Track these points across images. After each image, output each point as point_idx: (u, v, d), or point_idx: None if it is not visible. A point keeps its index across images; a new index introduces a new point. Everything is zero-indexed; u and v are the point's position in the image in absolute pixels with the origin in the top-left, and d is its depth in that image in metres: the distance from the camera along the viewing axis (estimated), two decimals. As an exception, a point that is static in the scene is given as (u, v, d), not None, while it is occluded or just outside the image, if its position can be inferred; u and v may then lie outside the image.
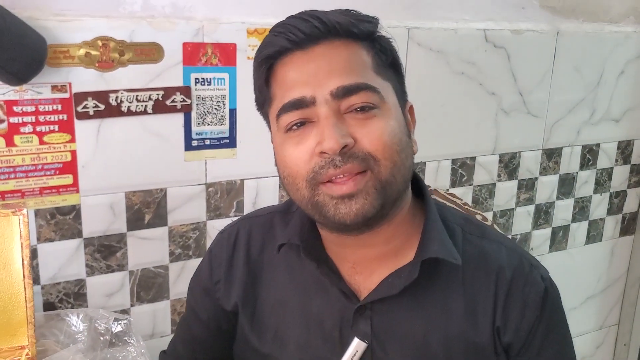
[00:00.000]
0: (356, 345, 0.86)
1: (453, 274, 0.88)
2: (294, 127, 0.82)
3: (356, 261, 0.89)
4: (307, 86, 0.80)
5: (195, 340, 1.04)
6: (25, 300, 1.05)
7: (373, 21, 0.85)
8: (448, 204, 1.11)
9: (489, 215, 1.86)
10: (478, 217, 1.13)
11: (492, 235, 0.92)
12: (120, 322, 1.18)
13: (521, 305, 0.87)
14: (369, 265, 0.88)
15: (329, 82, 0.79)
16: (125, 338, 1.15)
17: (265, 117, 0.90)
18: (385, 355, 0.87)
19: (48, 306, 1.32)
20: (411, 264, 0.85)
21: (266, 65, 0.84)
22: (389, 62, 0.86)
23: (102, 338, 1.14)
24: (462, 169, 1.78)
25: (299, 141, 0.81)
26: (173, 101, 1.34)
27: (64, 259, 1.32)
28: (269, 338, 0.94)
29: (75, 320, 1.17)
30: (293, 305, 0.93)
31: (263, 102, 0.88)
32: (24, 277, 1.05)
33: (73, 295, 1.35)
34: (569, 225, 2.06)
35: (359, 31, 0.83)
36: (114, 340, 1.16)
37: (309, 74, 0.80)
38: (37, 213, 1.27)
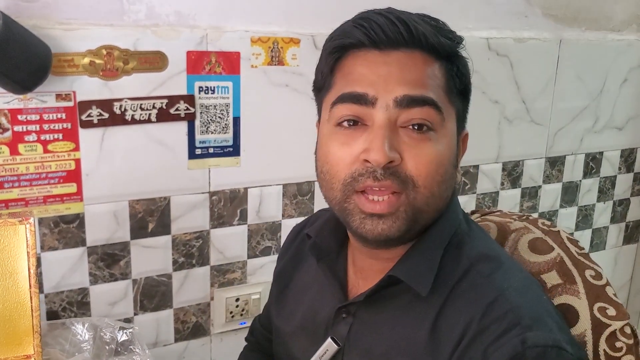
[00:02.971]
0: (327, 345, 0.87)
1: (433, 302, 0.81)
2: (345, 124, 0.79)
3: (363, 267, 0.90)
4: (373, 86, 0.78)
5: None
6: (31, 309, 1.05)
7: (458, 40, 0.83)
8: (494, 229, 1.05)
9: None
10: (540, 222, 1.06)
11: (500, 279, 0.80)
12: (125, 331, 1.18)
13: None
14: (372, 273, 0.88)
15: (396, 89, 0.77)
16: (131, 347, 1.15)
17: (319, 102, 0.88)
18: None
19: (51, 315, 1.32)
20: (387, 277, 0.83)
21: (337, 54, 0.82)
22: (461, 88, 0.83)
23: (107, 347, 1.14)
24: (466, 177, 1.78)
25: (346, 141, 0.79)
26: (177, 109, 1.34)
27: (67, 268, 1.32)
28: (284, 315, 1.01)
29: (80, 329, 1.16)
30: (310, 293, 0.98)
31: (322, 87, 0.86)
32: (30, 286, 1.05)
33: (76, 303, 1.34)
34: (573, 233, 2.05)
35: (442, 49, 0.80)
36: (119, 349, 1.16)
37: (379, 76, 0.78)
38: (41, 221, 1.27)
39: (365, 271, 0.90)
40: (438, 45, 0.79)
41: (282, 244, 1.14)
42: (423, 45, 0.79)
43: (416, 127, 0.77)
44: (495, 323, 0.75)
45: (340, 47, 0.81)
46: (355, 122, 0.79)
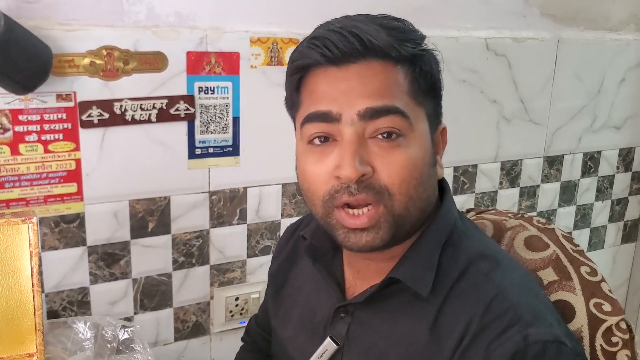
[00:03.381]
0: (327, 345, 0.87)
1: (432, 301, 0.82)
2: (317, 141, 0.81)
3: (360, 268, 0.91)
4: (335, 103, 0.78)
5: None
6: (34, 308, 1.06)
7: (418, 41, 0.82)
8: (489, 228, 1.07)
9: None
10: (535, 219, 1.06)
11: (499, 277, 0.81)
12: (127, 329, 1.19)
13: None
14: (369, 273, 0.89)
15: (357, 102, 0.77)
16: (132, 345, 1.15)
17: (292, 119, 0.90)
18: None
19: (52, 314, 1.32)
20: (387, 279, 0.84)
21: (299, 74, 0.83)
22: (427, 86, 0.83)
23: (109, 345, 1.15)
24: (464, 177, 1.78)
25: (320, 158, 0.81)
26: (177, 110, 1.35)
27: (67, 267, 1.33)
28: (280, 315, 1.02)
29: (82, 328, 1.17)
30: (305, 292, 0.98)
31: (292, 105, 0.88)
32: (32, 285, 1.06)
33: (77, 303, 1.35)
34: (571, 232, 2.06)
35: (399, 55, 0.79)
36: (120, 348, 1.16)
37: (340, 92, 0.78)
38: (42, 221, 1.28)
39: (362, 272, 0.91)
40: (394, 52, 0.79)
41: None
42: (379, 54, 0.79)
43: (385, 136, 0.78)
44: (496, 321, 0.76)
45: (300, 68, 0.83)
46: (327, 138, 0.80)
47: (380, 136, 0.78)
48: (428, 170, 0.82)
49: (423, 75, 0.82)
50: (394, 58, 0.79)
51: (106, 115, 1.28)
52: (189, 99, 1.35)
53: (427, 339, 0.80)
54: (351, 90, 0.78)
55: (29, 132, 1.23)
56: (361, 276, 0.90)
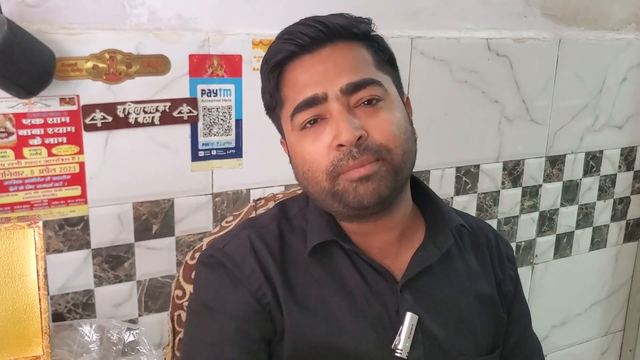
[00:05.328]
0: (410, 319, 0.90)
1: (464, 241, 1.01)
2: (308, 125, 0.87)
3: (381, 246, 0.94)
4: (319, 85, 0.86)
5: None
6: (40, 311, 1.07)
7: (367, 21, 0.92)
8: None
9: (494, 223, 1.87)
10: None
11: (462, 212, 1.08)
12: (132, 331, 1.19)
13: (506, 260, 1.05)
14: (392, 248, 0.94)
15: (338, 80, 0.86)
16: (138, 347, 1.16)
17: (277, 120, 0.95)
18: (431, 323, 0.92)
19: (57, 317, 1.33)
20: (437, 235, 0.95)
21: (277, 70, 0.90)
22: (387, 59, 0.93)
23: (114, 348, 1.15)
24: (467, 177, 1.79)
25: (316, 137, 0.86)
26: (180, 112, 1.35)
27: (72, 270, 1.33)
28: (324, 331, 0.90)
29: (87, 330, 1.17)
30: (336, 299, 0.91)
31: (274, 105, 0.93)
32: (39, 288, 1.07)
33: (81, 305, 1.35)
34: (573, 232, 2.06)
35: (359, 31, 0.90)
36: (126, 350, 1.17)
37: (319, 74, 0.86)
38: (46, 224, 1.28)
39: (385, 249, 0.94)
40: (355, 29, 0.89)
41: (228, 273, 0.92)
42: (343, 35, 0.88)
43: (367, 103, 0.86)
44: (495, 234, 1.07)
45: (277, 64, 0.89)
46: (316, 120, 0.87)
47: (363, 104, 0.86)
48: (410, 128, 0.91)
49: (381, 49, 0.92)
50: (356, 36, 0.89)
51: (109, 119, 1.29)
52: (192, 102, 1.36)
53: (479, 270, 0.99)
54: (328, 70, 0.86)
55: (33, 136, 1.24)
56: (385, 254, 0.94)
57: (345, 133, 0.83)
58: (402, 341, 0.89)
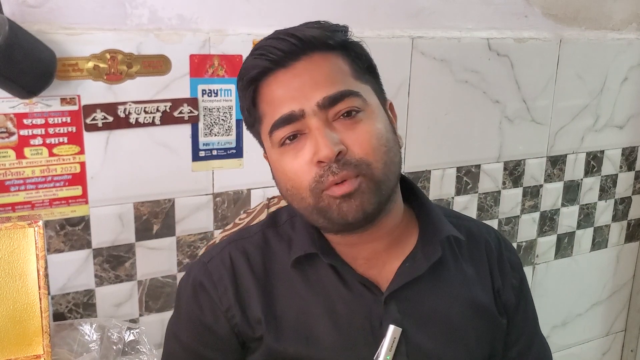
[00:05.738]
0: (393, 332, 0.89)
1: (460, 247, 0.98)
2: (288, 141, 0.85)
3: (368, 256, 0.93)
4: (295, 101, 0.84)
5: None
6: (41, 311, 1.07)
7: (344, 30, 0.89)
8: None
9: (494, 223, 1.87)
10: None
11: (463, 216, 1.07)
12: (132, 331, 1.19)
13: (509, 267, 1.02)
14: (380, 258, 0.92)
15: (314, 94, 0.84)
16: (138, 347, 1.16)
17: (257, 135, 0.94)
18: (417, 335, 0.90)
19: (58, 316, 1.33)
20: (428, 245, 0.92)
21: (252, 87, 0.88)
22: (365, 67, 0.91)
23: (115, 347, 1.15)
24: (467, 177, 1.79)
25: (296, 154, 0.85)
26: (180, 112, 1.35)
27: (73, 270, 1.33)
28: (302, 345, 0.90)
29: (88, 330, 1.18)
30: (317, 312, 0.91)
31: (253, 122, 0.92)
32: (39, 287, 1.07)
33: (82, 305, 1.36)
34: (574, 232, 2.06)
35: (334, 42, 0.87)
36: (126, 349, 1.17)
37: (295, 89, 0.84)
38: (47, 224, 1.28)
39: (371, 259, 0.92)
40: (330, 40, 0.87)
41: (203, 291, 0.94)
42: (317, 46, 0.86)
43: (345, 115, 0.84)
44: (497, 240, 1.04)
45: (251, 81, 0.88)
46: (295, 136, 0.85)
47: (341, 117, 0.84)
48: (392, 137, 0.89)
49: (359, 57, 0.90)
50: (331, 47, 0.87)
51: (110, 119, 1.29)
52: (193, 102, 1.36)
53: (474, 279, 0.96)
54: (304, 85, 0.84)
55: (34, 136, 1.24)
56: (372, 264, 0.93)
57: (324, 149, 0.81)
58: (383, 354, 0.88)
